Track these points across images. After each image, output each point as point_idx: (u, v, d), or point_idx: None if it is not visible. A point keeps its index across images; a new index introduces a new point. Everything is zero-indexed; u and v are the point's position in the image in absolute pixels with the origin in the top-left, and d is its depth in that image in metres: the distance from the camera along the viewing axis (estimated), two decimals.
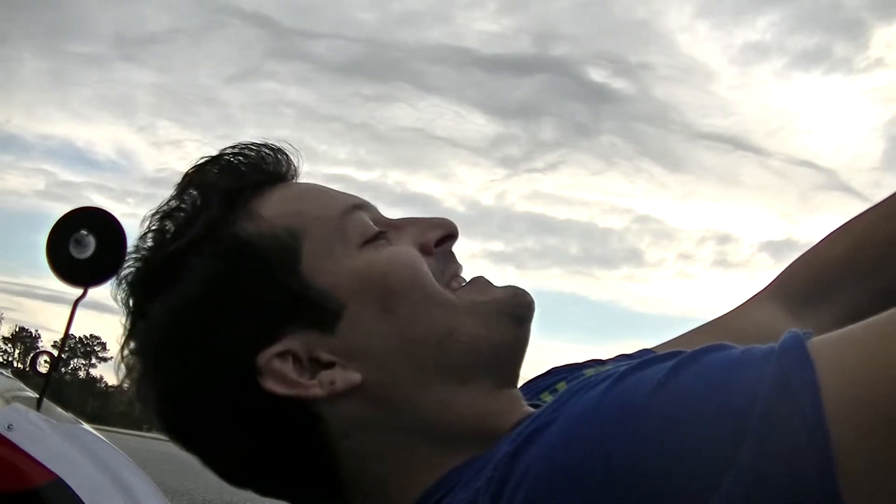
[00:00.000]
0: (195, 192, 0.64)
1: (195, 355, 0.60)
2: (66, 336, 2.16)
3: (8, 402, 1.93)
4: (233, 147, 0.66)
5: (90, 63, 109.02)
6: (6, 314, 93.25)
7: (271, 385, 0.58)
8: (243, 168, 0.65)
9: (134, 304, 0.64)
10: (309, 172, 0.68)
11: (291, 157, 0.67)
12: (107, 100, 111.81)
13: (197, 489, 11.78)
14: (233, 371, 0.59)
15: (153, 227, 0.64)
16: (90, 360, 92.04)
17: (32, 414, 1.94)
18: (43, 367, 2.40)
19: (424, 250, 0.63)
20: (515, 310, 0.62)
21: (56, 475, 1.77)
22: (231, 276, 0.61)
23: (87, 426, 2.12)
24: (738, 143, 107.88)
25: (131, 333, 0.64)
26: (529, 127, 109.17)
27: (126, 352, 0.64)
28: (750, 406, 0.44)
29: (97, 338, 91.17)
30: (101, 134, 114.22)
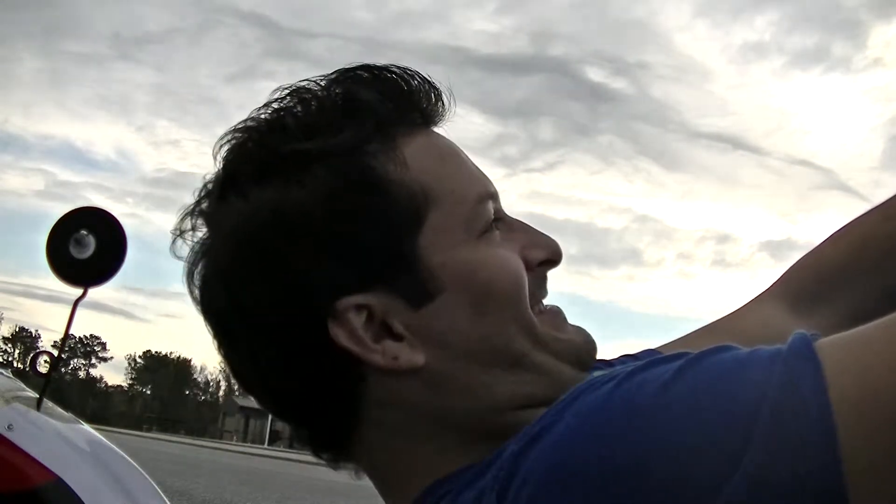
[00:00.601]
0: (344, 96, 0.59)
1: (281, 263, 0.57)
2: (66, 336, 2.16)
3: (8, 402, 1.93)
4: (398, 67, 0.61)
5: (88, 62, 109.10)
6: (6, 314, 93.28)
7: (337, 332, 0.57)
8: (402, 97, 0.61)
9: (234, 173, 0.59)
10: None
11: (446, 102, 0.64)
12: (105, 99, 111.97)
13: (197, 489, 11.78)
14: (308, 296, 0.57)
15: (284, 105, 0.60)
16: (90, 360, 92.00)
17: (32, 414, 1.93)
18: (43, 367, 2.39)
19: (525, 264, 0.62)
20: (584, 356, 0.63)
21: (56, 475, 1.77)
22: (353, 207, 0.57)
23: (87, 426, 2.12)
24: (736, 143, 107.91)
25: (217, 201, 0.60)
26: (528, 126, 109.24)
27: (201, 208, 0.61)
28: (757, 407, 0.44)
29: (97, 338, 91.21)
30: (99, 134, 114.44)
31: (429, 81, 0.62)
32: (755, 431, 0.44)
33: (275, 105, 0.60)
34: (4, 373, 2.48)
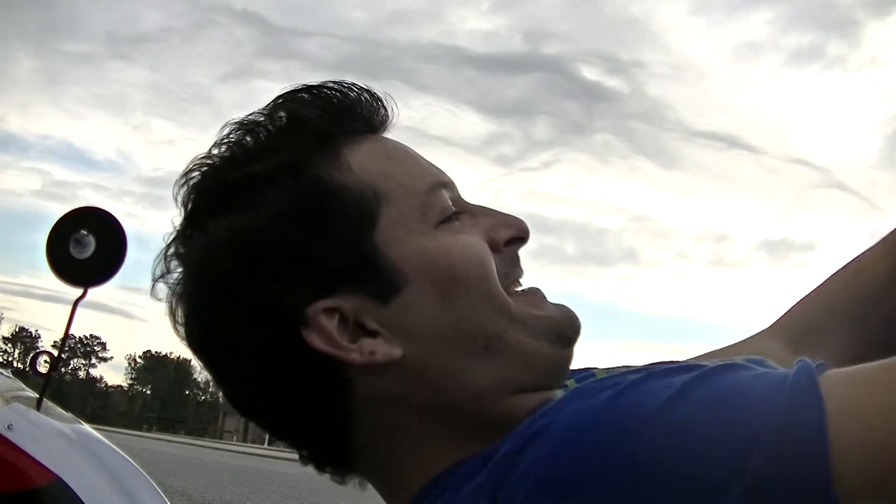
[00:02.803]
0: (286, 118, 0.61)
1: (246, 287, 0.59)
2: (66, 336, 2.16)
3: (8, 402, 1.93)
4: (334, 82, 0.63)
5: (84, 62, 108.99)
6: (6, 314, 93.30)
7: (312, 338, 0.58)
8: (341, 108, 0.63)
9: (194, 210, 0.62)
10: None
11: (389, 109, 0.66)
12: (101, 99, 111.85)
13: (197, 489, 11.78)
14: (278, 313, 0.58)
15: (232, 138, 0.62)
16: (90, 360, 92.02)
17: (32, 414, 1.93)
18: (43, 367, 2.39)
19: (493, 246, 0.62)
20: (565, 332, 0.63)
21: (56, 475, 1.77)
22: (306, 219, 0.59)
23: (87, 426, 2.12)
24: (732, 142, 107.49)
25: (183, 239, 0.62)
26: (523, 125, 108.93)
27: (171, 250, 0.63)
28: (754, 439, 0.45)
29: (97, 338, 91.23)
30: (96, 133, 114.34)
31: (368, 91, 0.64)
32: (749, 464, 0.44)
33: (225, 141, 0.62)
34: (4, 373, 2.48)
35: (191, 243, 0.61)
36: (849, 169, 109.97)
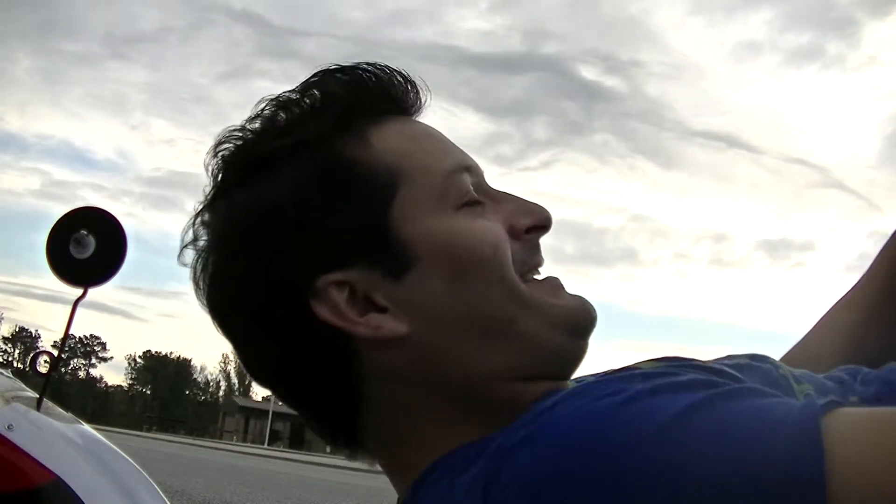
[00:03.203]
0: (317, 96, 0.63)
1: (261, 253, 0.60)
2: (66, 336, 2.16)
3: (8, 402, 1.93)
4: (368, 63, 0.64)
5: (82, 61, 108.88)
6: (6, 314, 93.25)
7: (320, 309, 0.59)
8: (371, 88, 0.64)
9: (222, 180, 0.64)
10: None
11: (421, 92, 0.67)
12: (100, 98, 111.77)
13: (197, 489, 11.77)
14: (290, 282, 0.59)
15: (265, 114, 0.63)
16: (90, 360, 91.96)
17: (32, 414, 1.94)
18: (43, 367, 2.39)
19: (513, 233, 0.63)
20: (580, 322, 0.63)
21: (56, 475, 1.77)
22: (323, 192, 0.60)
23: (87, 426, 2.12)
24: (731, 141, 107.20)
25: (210, 207, 0.64)
26: (522, 125, 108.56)
27: (199, 220, 0.64)
28: (746, 482, 0.45)
29: (97, 338, 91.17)
30: (95, 133, 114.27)
31: (401, 73, 0.65)
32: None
33: (258, 115, 0.64)
34: (4, 373, 2.48)
35: (215, 213, 0.63)
36: (848, 169, 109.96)
